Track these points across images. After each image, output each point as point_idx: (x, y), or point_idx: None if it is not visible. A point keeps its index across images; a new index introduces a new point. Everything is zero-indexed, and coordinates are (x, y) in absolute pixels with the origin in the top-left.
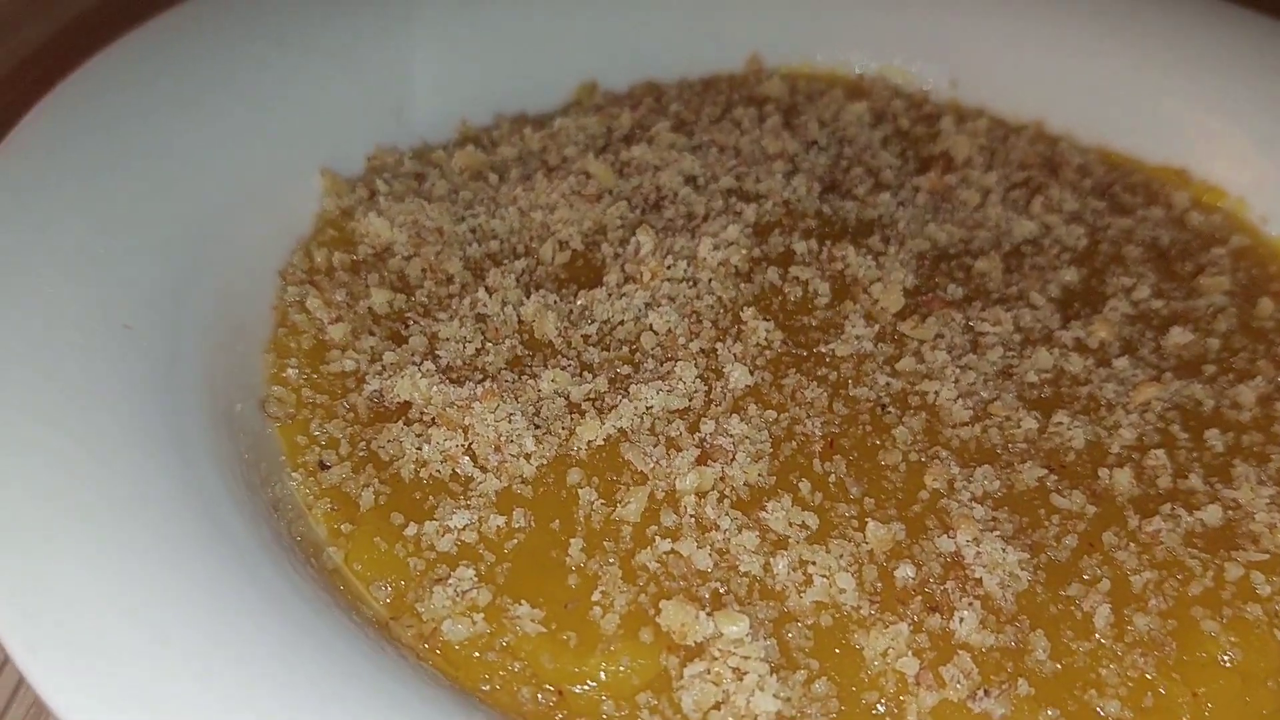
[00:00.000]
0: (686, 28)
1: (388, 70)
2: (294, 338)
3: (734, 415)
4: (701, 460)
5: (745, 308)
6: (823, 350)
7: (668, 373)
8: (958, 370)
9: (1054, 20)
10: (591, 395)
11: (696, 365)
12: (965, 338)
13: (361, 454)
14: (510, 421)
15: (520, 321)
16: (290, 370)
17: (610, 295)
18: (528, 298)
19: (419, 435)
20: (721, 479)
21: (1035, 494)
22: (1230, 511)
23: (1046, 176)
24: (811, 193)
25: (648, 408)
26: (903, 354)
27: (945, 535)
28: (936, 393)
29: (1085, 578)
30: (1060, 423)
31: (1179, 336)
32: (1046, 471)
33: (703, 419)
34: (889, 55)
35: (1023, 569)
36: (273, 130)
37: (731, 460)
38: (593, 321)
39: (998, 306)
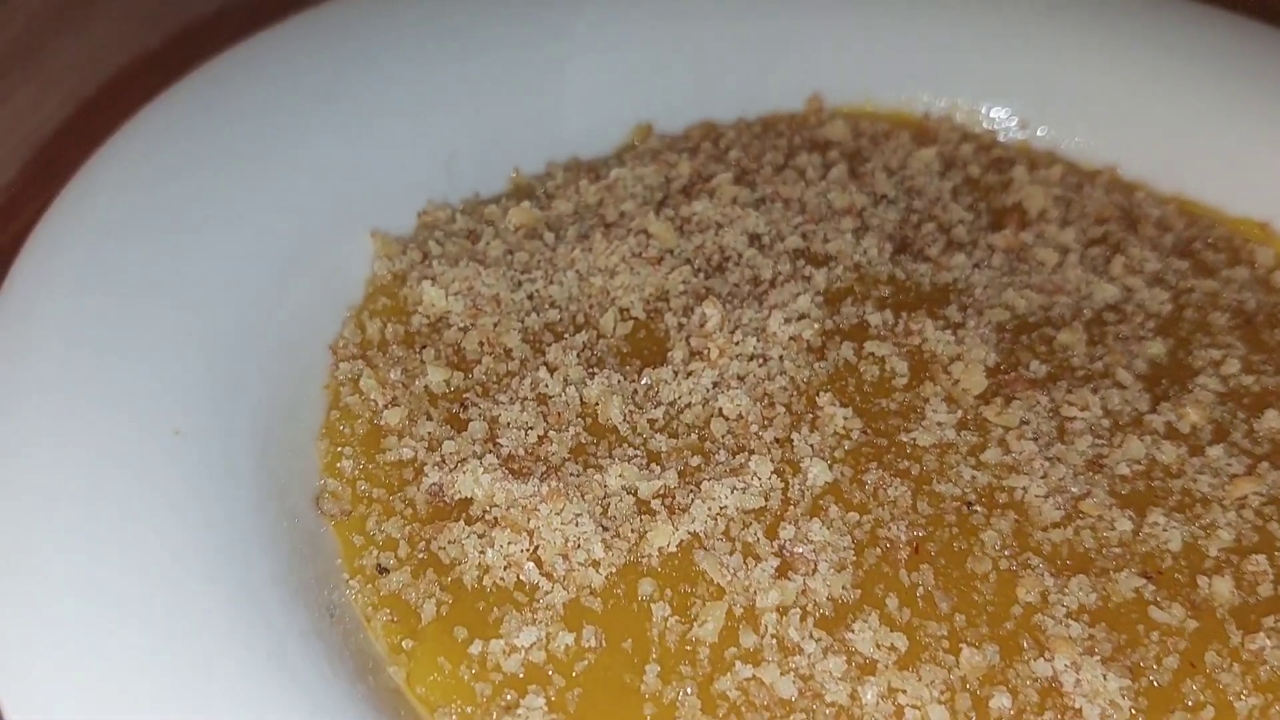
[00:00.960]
0: (744, 64)
1: (438, 120)
2: (348, 422)
3: (814, 518)
4: (782, 571)
5: (821, 392)
6: (904, 439)
7: (740, 466)
8: (1046, 463)
9: (1129, 59)
10: (661, 492)
11: (772, 458)
12: (1052, 424)
13: (421, 556)
14: (577, 524)
15: (583, 403)
16: (345, 461)
17: (676, 374)
18: (591, 377)
19: (481, 537)
20: (803, 592)
21: (1133, 606)
22: None
23: (1125, 231)
24: (883, 254)
25: (721, 508)
26: (987, 443)
27: (1042, 658)
28: (1025, 489)
29: (1189, 704)
30: (1155, 523)
31: (1274, 420)
32: (1144, 580)
33: (781, 522)
34: (955, 93)
35: (1124, 696)
36: (319, 189)
37: (814, 571)
38: (659, 404)
39: (1084, 387)
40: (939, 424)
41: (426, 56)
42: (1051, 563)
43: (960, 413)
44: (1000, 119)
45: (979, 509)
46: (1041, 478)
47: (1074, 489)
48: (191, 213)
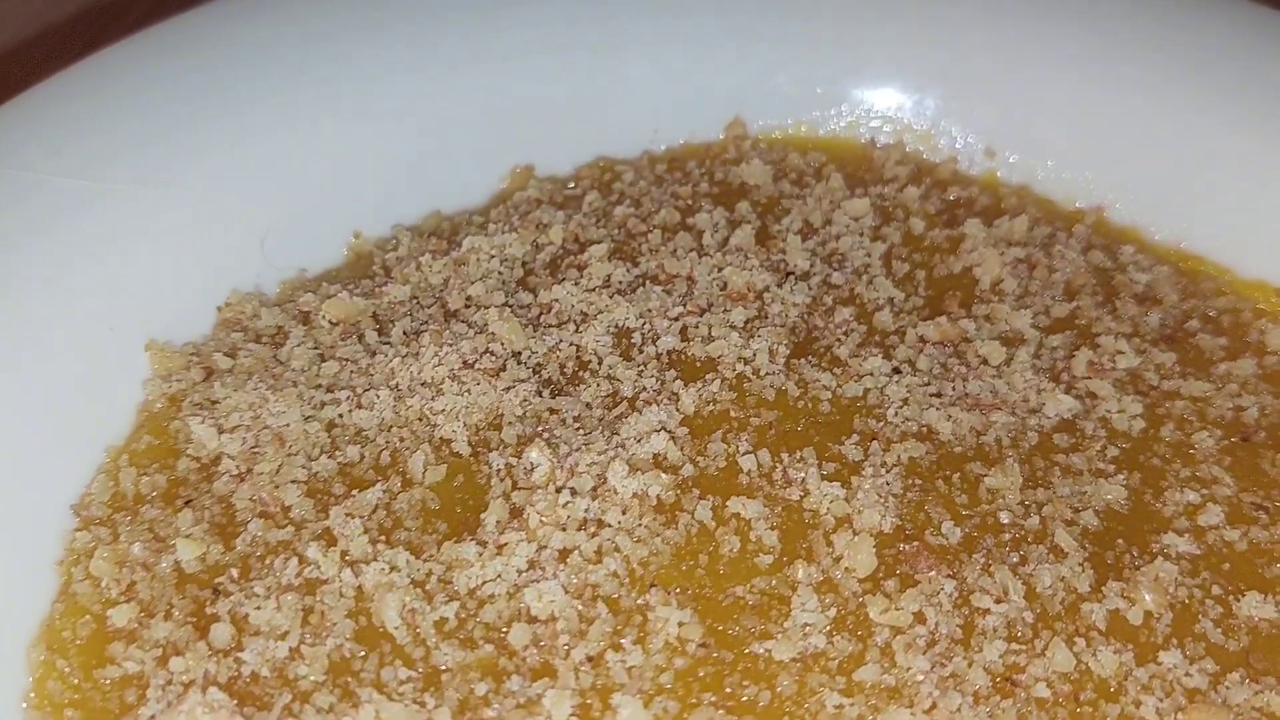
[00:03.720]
0: (657, 85)
1: (250, 186)
2: (70, 621)
3: None
4: None
5: (651, 588)
6: (757, 650)
7: (533, 701)
8: (937, 690)
9: (1122, 66)
10: None
11: (577, 683)
12: (954, 621)
13: None
14: None
15: (359, 595)
16: (54, 682)
17: (482, 552)
18: (370, 560)
19: None
20: None
21: None
22: None
23: (1099, 308)
24: (776, 358)
25: None
26: (865, 654)
27: None
28: None
29: None
30: None
31: (1256, 608)
32: None
33: None
34: (909, 116)
35: None
36: (80, 286)
37: None
38: (454, 598)
39: (1007, 562)
40: (806, 626)
41: (236, 97)
42: None
43: (836, 609)
44: (962, 145)
45: None
46: (928, 709)
47: None
48: None
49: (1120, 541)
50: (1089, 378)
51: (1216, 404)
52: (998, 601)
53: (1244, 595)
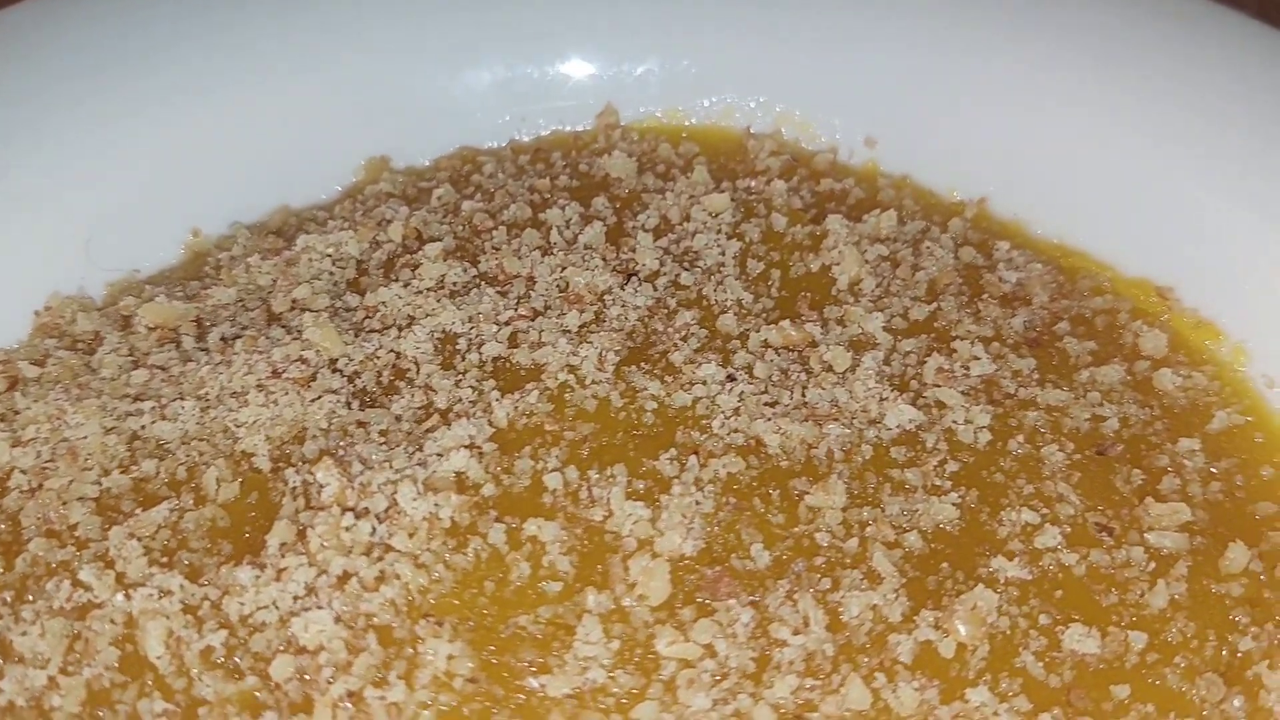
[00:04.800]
0: (521, 72)
1: (77, 182)
2: None
3: None
4: None
5: (423, 618)
6: (532, 684)
7: None
8: None
9: (1003, 64)
10: None
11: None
12: (748, 653)
13: None
14: None
15: (129, 618)
16: None
17: (259, 579)
18: (142, 583)
19: None
20: None
21: None
22: None
23: (961, 310)
24: (605, 366)
25: None
26: (647, 690)
27: None
28: None
29: None
30: None
31: (1080, 641)
32: None
33: None
34: (788, 100)
35: None
36: None
37: None
38: (223, 627)
39: (813, 589)
40: (586, 660)
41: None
42: None
43: (621, 641)
44: (842, 134)
45: None
46: None
47: None
48: None
49: (945, 565)
50: (938, 385)
51: (1073, 414)
52: (795, 633)
53: (1070, 626)
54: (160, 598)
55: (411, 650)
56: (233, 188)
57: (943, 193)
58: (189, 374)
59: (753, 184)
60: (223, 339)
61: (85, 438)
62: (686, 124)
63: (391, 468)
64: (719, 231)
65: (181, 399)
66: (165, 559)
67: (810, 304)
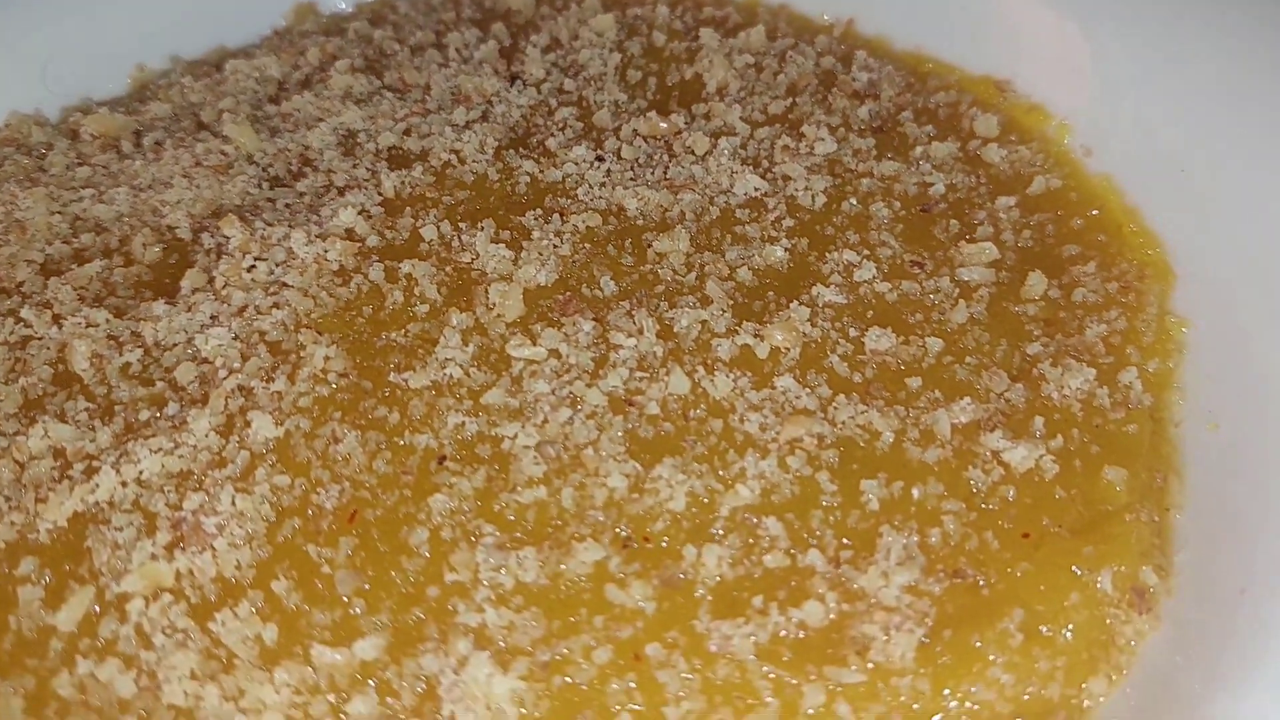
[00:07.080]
0: None
1: (30, 17)
2: None
3: (240, 482)
4: (171, 548)
5: (304, 329)
6: (395, 379)
7: (180, 423)
8: (549, 407)
9: None
10: (89, 454)
11: (227, 408)
12: (588, 354)
13: None
14: None
15: (62, 347)
16: None
17: (170, 310)
18: (72, 314)
19: None
20: (185, 574)
21: (588, 583)
22: (843, 605)
23: (815, 104)
24: (485, 149)
25: (139, 473)
26: (496, 382)
27: (434, 653)
28: (514, 438)
29: (612, 710)
30: (660, 476)
31: (877, 340)
32: (611, 552)
33: (197, 490)
34: None
35: (513, 701)
36: None
37: (206, 548)
38: (137, 348)
39: (648, 307)
40: (446, 360)
41: None
42: (508, 533)
43: (477, 347)
44: None
45: (451, 465)
46: (540, 424)
47: (580, 437)
48: None
49: (771, 294)
50: (784, 162)
51: (904, 180)
52: (630, 337)
53: (882, 328)
54: (87, 327)
55: (296, 356)
56: (174, 30)
57: (814, 17)
58: (124, 170)
59: (640, 12)
60: (156, 143)
61: (33, 218)
62: None
63: (289, 225)
64: (603, 48)
65: (117, 187)
66: (95, 302)
67: (680, 103)
